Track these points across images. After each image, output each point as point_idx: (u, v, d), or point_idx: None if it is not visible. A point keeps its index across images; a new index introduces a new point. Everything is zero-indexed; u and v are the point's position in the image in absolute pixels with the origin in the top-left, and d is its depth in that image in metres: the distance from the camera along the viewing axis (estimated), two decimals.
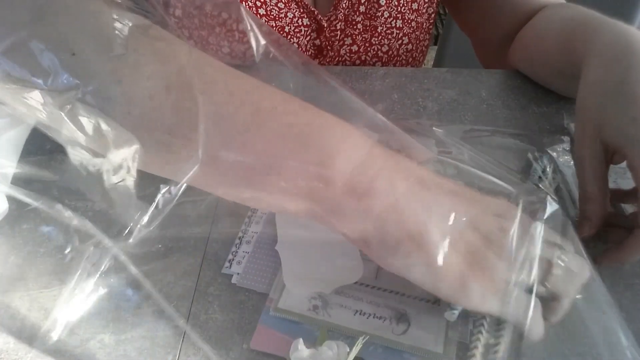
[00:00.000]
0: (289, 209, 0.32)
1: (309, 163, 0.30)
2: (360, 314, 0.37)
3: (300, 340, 0.34)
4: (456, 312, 0.35)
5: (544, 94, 0.55)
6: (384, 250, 0.32)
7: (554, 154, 0.47)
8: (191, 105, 0.30)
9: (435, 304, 0.37)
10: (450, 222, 0.31)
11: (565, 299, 0.33)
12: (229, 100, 0.30)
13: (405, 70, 0.60)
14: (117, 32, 0.29)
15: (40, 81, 0.28)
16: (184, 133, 0.30)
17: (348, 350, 0.33)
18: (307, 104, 0.32)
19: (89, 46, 0.29)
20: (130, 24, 0.29)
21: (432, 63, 1.15)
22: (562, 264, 0.33)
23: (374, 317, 0.36)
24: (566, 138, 0.49)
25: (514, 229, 0.32)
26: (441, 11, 1.84)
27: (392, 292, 0.38)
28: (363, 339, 0.34)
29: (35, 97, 0.29)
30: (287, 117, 0.31)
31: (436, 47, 1.07)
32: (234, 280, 0.40)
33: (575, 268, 0.33)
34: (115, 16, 0.29)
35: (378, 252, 0.32)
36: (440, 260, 0.30)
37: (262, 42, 0.34)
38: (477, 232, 0.32)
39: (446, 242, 0.31)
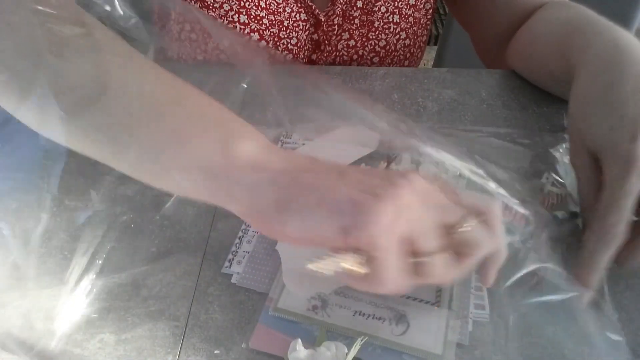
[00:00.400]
0: (187, 185, 0.34)
1: (215, 140, 0.33)
2: (359, 314, 0.37)
3: (299, 340, 0.34)
4: None
5: (544, 94, 0.55)
6: (279, 213, 0.32)
7: (556, 154, 0.47)
8: (115, 81, 0.33)
9: (434, 305, 0.37)
10: (338, 179, 0.32)
11: (468, 259, 0.32)
12: (156, 82, 0.34)
13: (406, 70, 0.60)
14: (49, 40, 0.32)
15: None
16: (102, 102, 0.32)
17: (346, 351, 0.33)
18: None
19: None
20: (64, 33, 0.32)
21: (432, 63, 1.15)
22: (468, 230, 0.32)
23: (373, 318, 0.36)
24: (568, 137, 0.49)
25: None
26: (441, 11, 1.84)
27: None
28: (362, 340, 0.34)
29: None
30: (204, 105, 0.35)
31: (436, 47, 1.07)
32: (234, 280, 0.40)
33: (475, 239, 0.32)
34: (48, 25, 0.32)
35: (278, 218, 0.32)
36: (330, 194, 0.31)
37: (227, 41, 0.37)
38: (364, 181, 0.32)
39: (337, 183, 0.32)
